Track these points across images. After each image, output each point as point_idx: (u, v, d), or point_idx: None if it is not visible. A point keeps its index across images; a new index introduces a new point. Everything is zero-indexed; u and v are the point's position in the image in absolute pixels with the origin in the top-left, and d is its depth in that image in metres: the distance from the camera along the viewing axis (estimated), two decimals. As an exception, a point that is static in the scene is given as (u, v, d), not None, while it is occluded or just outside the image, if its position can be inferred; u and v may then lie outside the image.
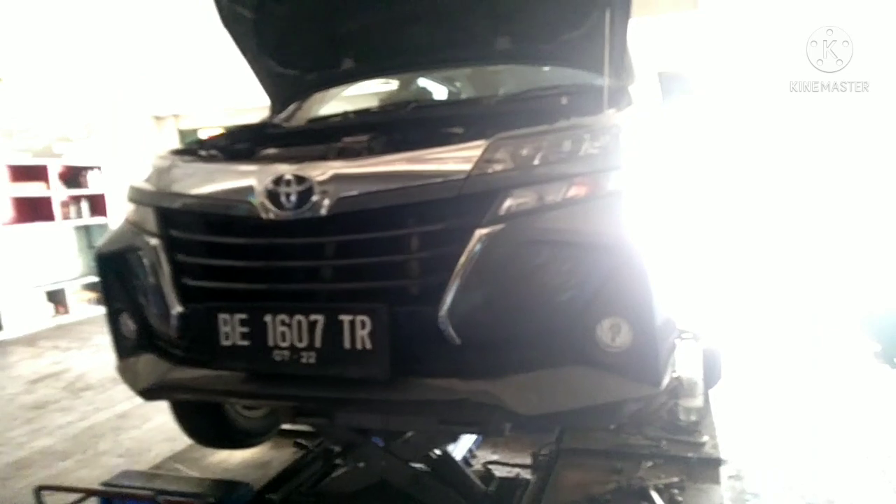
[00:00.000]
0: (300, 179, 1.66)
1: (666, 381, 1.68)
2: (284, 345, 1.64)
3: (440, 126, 2.08)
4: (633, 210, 1.65)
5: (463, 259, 1.54)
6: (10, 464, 4.22)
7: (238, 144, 2.24)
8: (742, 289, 6.82)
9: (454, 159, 1.64)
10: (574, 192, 1.63)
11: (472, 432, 2.58)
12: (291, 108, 2.82)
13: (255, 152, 2.11)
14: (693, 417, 2.61)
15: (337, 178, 1.65)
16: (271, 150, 2.11)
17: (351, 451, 2.33)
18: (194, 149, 2.15)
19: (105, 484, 2.35)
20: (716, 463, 2.32)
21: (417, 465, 2.33)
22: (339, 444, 2.41)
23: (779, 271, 7.43)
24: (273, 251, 1.69)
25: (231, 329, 1.69)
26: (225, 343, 1.70)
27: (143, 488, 2.24)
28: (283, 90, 2.70)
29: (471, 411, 1.60)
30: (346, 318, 1.59)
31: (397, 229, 1.61)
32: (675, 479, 2.19)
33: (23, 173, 7.67)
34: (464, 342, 1.56)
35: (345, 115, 2.56)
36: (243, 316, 1.68)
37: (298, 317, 1.63)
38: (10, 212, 7.56)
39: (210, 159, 1.99)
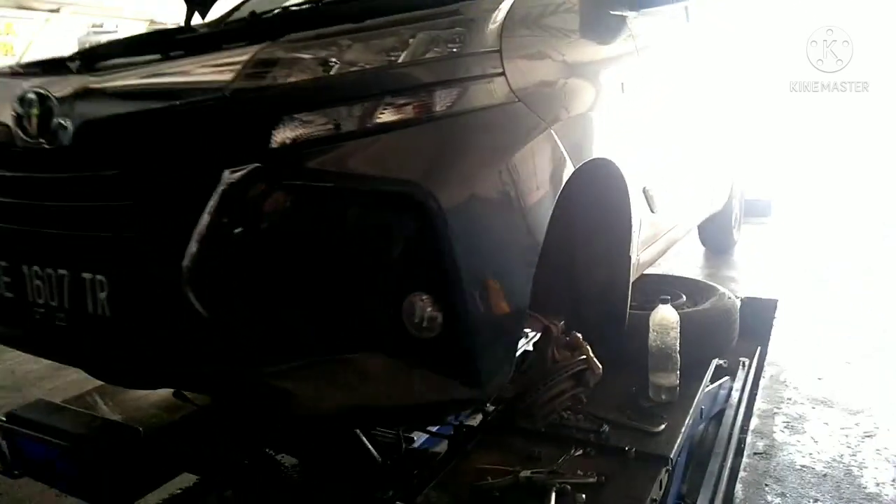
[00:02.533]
0: (41, 98, 1.32)
1: (497, 381, 1.25)
2: (41, 301, 1.37)
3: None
4: (473, 145, 1.18)
5: (209, 208, 1.16)
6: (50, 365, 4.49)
7: (118, 52, 1.93)
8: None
9: (217, 71, 1.23)
10: (384, 117, 1.17)
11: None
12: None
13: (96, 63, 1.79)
14: (664, 397, 2.11)
15: (80, 97, 1.30)
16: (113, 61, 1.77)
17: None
18: (58, 59, 1.87)
19: (10, 413, 2.29)
20: (658, 462, 1.84)
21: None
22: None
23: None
24: (25, 187, 1.40)
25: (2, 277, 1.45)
26: (2, 293, 1.46)
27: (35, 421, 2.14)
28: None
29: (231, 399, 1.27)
30: (87, 276, 1.28)
31: (139, 166, 1.24)
32: (592, 480, 1.75)
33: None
34: (214, 315, 1.20)
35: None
36: (4, 263, 1.42)
37: (48, 270, 1.35)
38: None
39: (26, 73, 1.69)
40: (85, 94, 1.31)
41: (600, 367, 1.66)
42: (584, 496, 1.69)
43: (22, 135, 1.35)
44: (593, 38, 1.69)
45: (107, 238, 1.28)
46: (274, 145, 1.16)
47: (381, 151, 1.14)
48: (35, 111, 1.32)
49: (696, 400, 2.13)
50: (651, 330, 2.11)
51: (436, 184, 1.12)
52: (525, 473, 1.77)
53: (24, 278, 1.39)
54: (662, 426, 1.96)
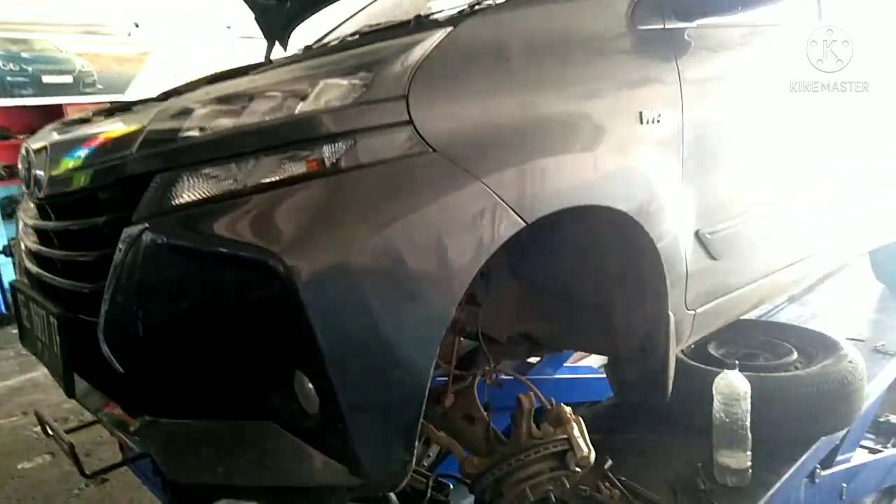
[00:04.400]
0: (27, 152, 1.46)
1: (388, 470, 1.12)
2: (38, 335, 1.52)
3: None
4: (354, 204, 1.08)
5: (114, 265, 1.18)
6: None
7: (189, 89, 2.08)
8: None
9: (129, 127, 1.25)
10: (273, 174, 1.11)
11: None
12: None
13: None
14: (730, 481, 1.75)
15: (47, 151, 1.41)
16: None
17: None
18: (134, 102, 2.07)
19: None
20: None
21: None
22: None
23: None
24: (33, 232, 1.56)
25: (23, 310, 1.63)
26: (24, 323, 1.65)
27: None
28: (271, 23, 2.43)
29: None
30: (52, 318, 1.39)
31: (72, 219, 1.32)
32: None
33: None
34: (127, 368, 1.22)
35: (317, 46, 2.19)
36: (22, 298, 1.60)
37: (36, 307, 1.49)
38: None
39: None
40: (54, 148, 1.42)
41: (587, 448, 1.40)
42: None
43: (25, 187, 1.52)
44: (598, 64, 1.41)
45: (54, 286, 1.38)
46: (171, 203, 1.14)
47: (255, 214, 1.06)
48: (24, 164, 1.47)
49: (771, 491, 1.72)
50: (715, 399, 1.76)
51: (297, 251, 1.01)
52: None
53: (32, 314, 1.56)
54: (710, 520, 1.62)
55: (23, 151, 1.51)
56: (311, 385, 1.08)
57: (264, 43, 2.54)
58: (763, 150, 1.89)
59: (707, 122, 1.66)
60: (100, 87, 7.59)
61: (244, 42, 8.16)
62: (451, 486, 2.12)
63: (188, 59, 7.81)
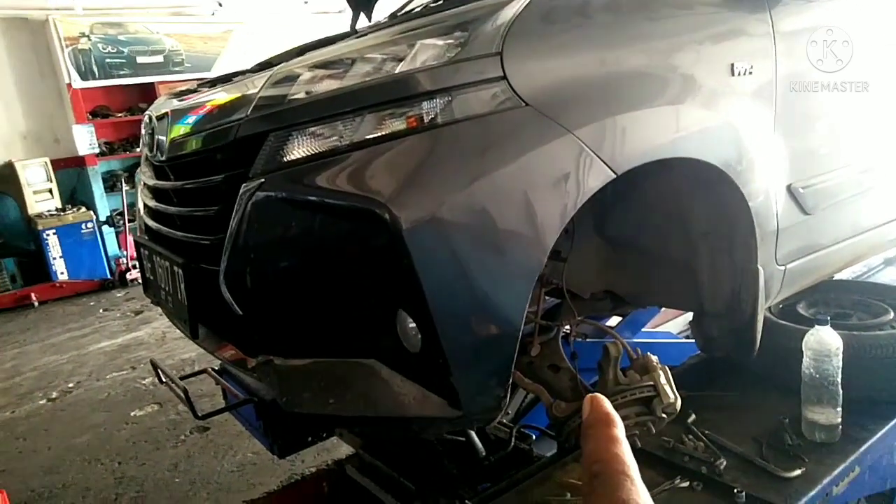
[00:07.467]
0: (149, 118, 1.59)
1: (483, 404, 1.19)
2: (162, 285, 1.68)
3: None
4: (454, 156, 1.15)
5: (234, 218, 1.30)
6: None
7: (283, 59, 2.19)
8: None
9: (242, 93, 1.36)
10: (377, 130, 1.19)
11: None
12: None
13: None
14: (819, 437, 1.74)
15: (168, 118, 1.54)
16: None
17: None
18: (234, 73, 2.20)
19: (222, 366, 2.78)
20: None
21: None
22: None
23: None
24: (152, 192, 1.70)
25: (146, 263, 1.80)
26: (148, 275, 1.82)
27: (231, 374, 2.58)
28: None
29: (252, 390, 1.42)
30: (176, 269, 1.53)
31: (192, 179, 1.44)
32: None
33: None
34: (246, 312, 1.34)
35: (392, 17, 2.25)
36: (146, 252, 1.76)
37: (160, 259, 1.64)
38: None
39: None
40: (173, 115, 1.55)
41: (674, 395, 1.43)
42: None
43: (147, 149, 1.67)
44: (686, 16, 1.40)
45: (176, 239, 1.52)
46: (283, 159, 1.24)
47: (360, 167, 1.14)
48: (147, 130, 1.62)
49: (862, 449, 1.71)
50: (804, 355, 1.75)
51: (401, 200, 1.08)
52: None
53: (155, 266, 1.72)
54: (797, 472, 1.62)
55: (146, 119, 1.66)
56: (412, 325, 1.17)
57: (338, 18, 2.63)
58: (861, 102, 1.83)
59: (801, 73, 1.63)
60: (188, 65, 7.96)
61: (319, 17, 8.36)
62: (534, 437, 2.21)
63: (268, 35, 8.06)
